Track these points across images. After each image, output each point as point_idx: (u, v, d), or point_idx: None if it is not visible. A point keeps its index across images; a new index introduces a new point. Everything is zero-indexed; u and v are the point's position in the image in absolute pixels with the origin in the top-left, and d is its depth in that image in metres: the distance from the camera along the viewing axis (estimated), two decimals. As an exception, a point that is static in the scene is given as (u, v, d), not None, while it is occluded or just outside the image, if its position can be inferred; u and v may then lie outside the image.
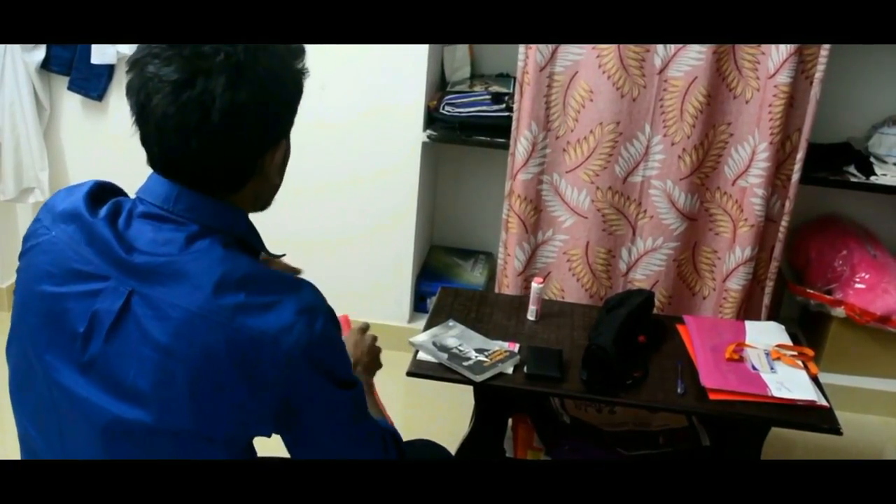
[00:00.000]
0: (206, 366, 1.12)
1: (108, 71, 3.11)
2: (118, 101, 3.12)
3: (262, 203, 1.30)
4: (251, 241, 1.26)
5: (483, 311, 2.42)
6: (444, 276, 3.43)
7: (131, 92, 1.15)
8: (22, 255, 1.26)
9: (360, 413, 1.31)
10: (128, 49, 2.98)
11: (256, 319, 1.13)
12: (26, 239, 1.26)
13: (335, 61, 2.99)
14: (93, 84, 3.13)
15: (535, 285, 2.37)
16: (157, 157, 1.19)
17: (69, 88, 3.16)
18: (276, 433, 1.24)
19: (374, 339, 1.72)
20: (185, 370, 1.12)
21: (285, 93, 1.20)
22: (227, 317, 1.12)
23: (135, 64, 1.14)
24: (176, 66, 1.11)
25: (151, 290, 1.14)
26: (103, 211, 1.19)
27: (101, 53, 3.02)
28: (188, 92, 1.10)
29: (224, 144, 1.14)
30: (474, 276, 3.44)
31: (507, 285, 2.95)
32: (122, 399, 1.15)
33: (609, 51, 2.61)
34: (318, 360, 1.18)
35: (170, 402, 1.14)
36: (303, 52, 1.23)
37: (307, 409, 1.21)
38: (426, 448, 1.85)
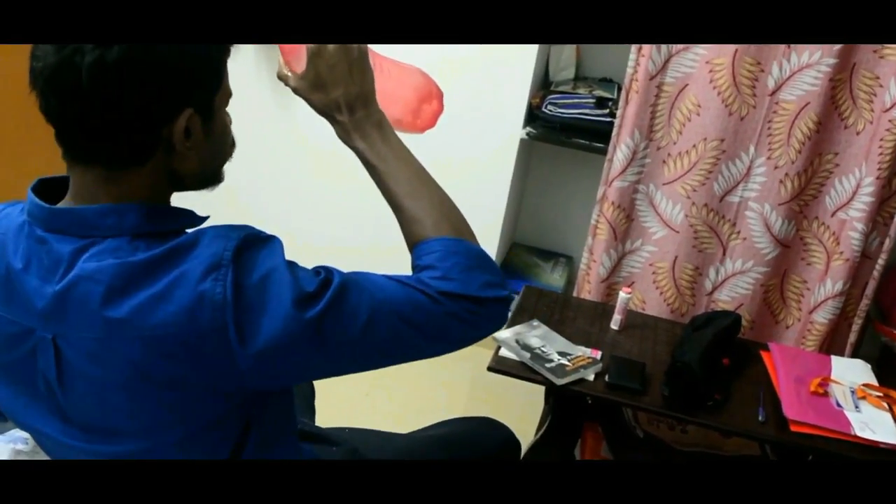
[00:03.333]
0: (149, 382, 1.06)
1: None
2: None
3: (191, 181, 1.19)
4: (153, 230, 1.11)
5: (566, 315, 2.41)
6: (524, 275, 3.41)
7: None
8: None
9: (359, 305, 1.09)
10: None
11: (160, 312, 1.03)
12: None
13: (442, 49, 3.00)
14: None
15: (623, 294, 2.34)
16: (56, 131, 1.10)
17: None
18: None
19: (343, 49, 1.24)
20: (133, 394, 1.07)
21: (174, 57, 1.05)
22: (131, 328, 1.04)
23: None
24: None
25: (63, 327, 1.08)
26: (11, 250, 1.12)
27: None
28: (62, 52, 1.01)
29: (101, 109, 1.04)
30: (553, 277, 3.42)
31: (589, 291, 2.93)
32: (108, 440, 1.13)
33: (722, 66, 2.57)
34: (252, 307, 1.04)
35: (147, 427, 1.11)
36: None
37: (293, 363, 1.09)
38: (489, 426, 1.85)
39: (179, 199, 1.17)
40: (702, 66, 2.60)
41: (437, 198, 1.25)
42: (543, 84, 3.19)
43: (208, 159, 1.18)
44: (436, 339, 1.14)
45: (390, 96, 1.32)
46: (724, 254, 2.81)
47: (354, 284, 1.10)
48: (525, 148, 3.12)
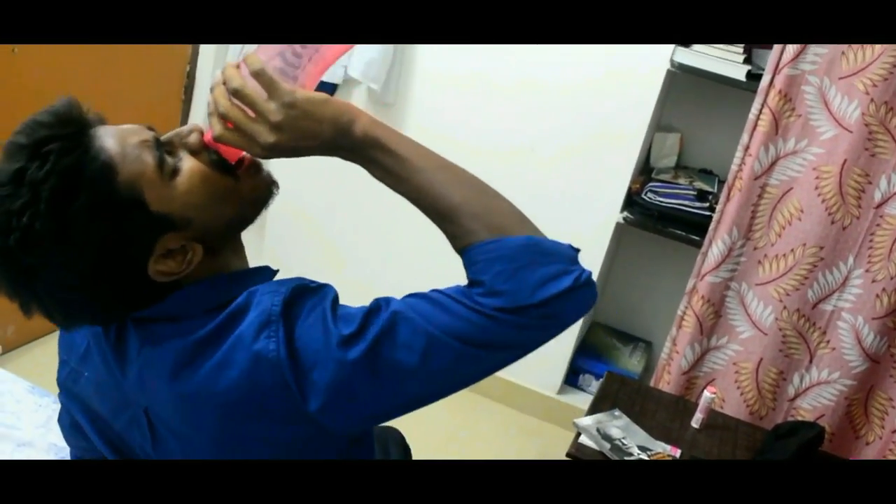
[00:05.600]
0: (236, 438, 1.06)
1: (331, 90, 3.21)
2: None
3: (228, 233, 1.15)
4: (222, 301, 1.09)
5: (647, 406, 2.39)
6: (602, 356, 3.39)
7: None
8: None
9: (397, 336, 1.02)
10: (356, 73, 3.08)
11: (224, 379, 1.03)
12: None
13: (549, 126, 3.03)
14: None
15: (708, 394, 2.32)
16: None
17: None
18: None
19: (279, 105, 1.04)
20: (223, 448, 1.07)
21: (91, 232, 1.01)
22: (202, 398, 1.04)
23: None
24: None
25: (147, 400, 1.10)
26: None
27: (329, 73, 3.13)
28: None
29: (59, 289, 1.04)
30: (631, 362, 3.39)
31: (668, 382, 2.90)
32: None
33: (830, 174, 2.55)
34: (304, 360, 1.02)
35: None
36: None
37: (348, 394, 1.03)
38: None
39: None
40: (809, 171, 2.58)
41: (468, 193, 1.09)
42: (644, 169, 3.19)
43: (206, 221, 1.10)
44: (506, 349, 1.06)
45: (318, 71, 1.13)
46: (810, 361, 2.77)
47: (405, 314, 1.03)
48: (618, 230, 3.11)
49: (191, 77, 3.40)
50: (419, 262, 3.35)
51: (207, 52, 3.39)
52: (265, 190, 1.16)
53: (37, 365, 2.94)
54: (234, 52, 3.32)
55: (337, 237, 3.51)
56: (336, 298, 1.08)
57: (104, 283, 1.04)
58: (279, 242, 3.60)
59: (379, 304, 1.05)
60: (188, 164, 1.08)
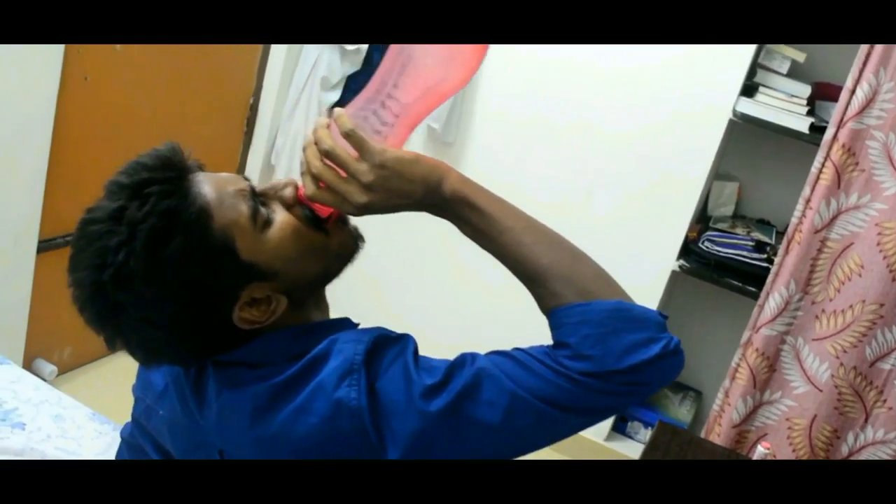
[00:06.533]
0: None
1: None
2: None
3: (308, 289, 1.16)
4: (300, 351, 1.09)
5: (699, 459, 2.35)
6: (652, 404, 3.36)
7: None
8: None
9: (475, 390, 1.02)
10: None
11: (303, 425, 1.03)
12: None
13: (607, 171, 3.04)
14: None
15: (762, 449, 2.28)
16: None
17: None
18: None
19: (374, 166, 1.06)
20: None
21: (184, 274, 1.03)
22: (280, 443, 1.04)
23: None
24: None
25: (224, 443, 1.11)
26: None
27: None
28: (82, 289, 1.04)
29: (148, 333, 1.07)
30: (681, 411, 3.36)
31: (719, 434, 2.86)
32: None
33: (892, 230, 2.52)
34: (385, 409, 1.01)
35: None
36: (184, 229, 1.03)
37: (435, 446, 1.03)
38: None
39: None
40: (871, 227, 2.55)
41: (556, 255, 1.09)
42: (701, 217, 3.18)
43: (297, 277, 1.12)
44: (588, 413, 1.05)
45: (413, 115, 1.11)
46: (865, 421, 2.72)
47: (490, 371, 1.03)
48: (673, 278, 3.10)
49: (253, 109, 3.46)
50: (457, 295, 3.36)
51: (271, 85, 3.44)
52: (353, 245, 1.17)
53: (91, 388, 2.98)
54: (297, 88, 3.37)
55: (379, 275, 3.52)
56: (416, 348, 1.08)
57: (188, 324, 1.06)
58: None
59: (464, 359, 1.05)
60: (281, 217, 1.10)
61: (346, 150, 1.04)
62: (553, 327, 1.06)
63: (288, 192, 1.12)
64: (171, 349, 1.09)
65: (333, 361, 1.04)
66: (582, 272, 1.09)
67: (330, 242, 1.14)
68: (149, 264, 0.99)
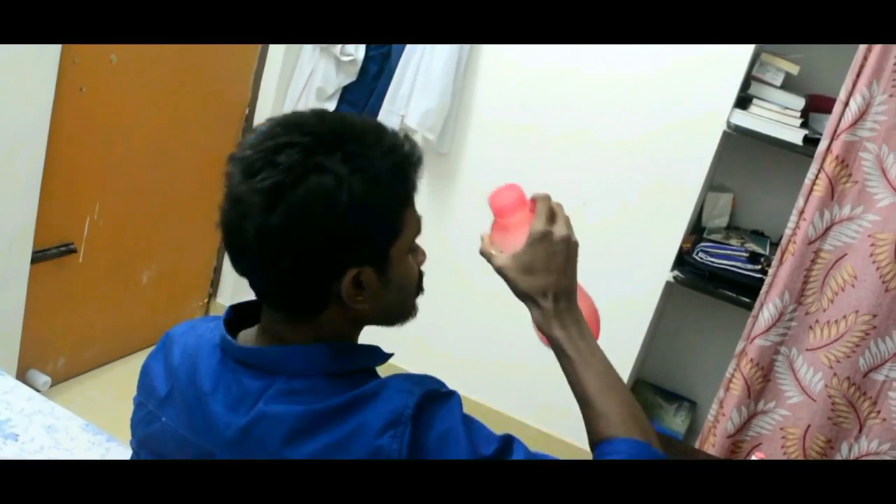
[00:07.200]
0: None
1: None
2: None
3: (375, 322, 1.19)
4: (337, 370, 1.12)
5: (693, 470, 2.36)
6: (646, 414, 3.36)
7: None
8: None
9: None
10: (413, 122, 3.11)
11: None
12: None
13: (602, 181, 3.05)
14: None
15: (755, 459, 2.29)
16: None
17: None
18: None
19: (568, 239, 1.24)
20: None
21: (334, 223, 1.03)
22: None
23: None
24: (236, 183, 1.05)
25: (241, 457, 1.09)
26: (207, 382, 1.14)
27: (388, 113, 3.17)
28: (234, 212, 1.04)
29: (266, 268, 1.06)
30: (675, 422, 3.36)
31: (713, 444, 2.87)
32: None
33: (885, 242, 2.53)
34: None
35: None
36: (401, 175, 1.09)
37: None
38: None
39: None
40: (864, 238, 2.56)
41: (626, 398, 1.21)
42: (695, 228, 3.19)
43: (386, 305, 1.16)
44: None
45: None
46: (859, 431, 2.73)
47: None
48: (668, 289, 3.10)
49: (249, 120, 3.46)
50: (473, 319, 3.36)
51: (266, 95, 3.44)
52: (413, 312, 1.23)
53: (85, 399, 2.97)
54: (293, 99, 3.37)
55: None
56: (462, 407, 1.11)
57: (301, 263, 1.05)
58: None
59: (511, 438, 1.10)
60: (420, 257, 1.21)
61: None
62: (609, 451, 1.15)
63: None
64: (278, 278, 1.08)
65: (381, 406, 1.04)
66: (645, 420, 1.21)
67: (414, 301, 1.22)
68: (353, 185, 1.01)
